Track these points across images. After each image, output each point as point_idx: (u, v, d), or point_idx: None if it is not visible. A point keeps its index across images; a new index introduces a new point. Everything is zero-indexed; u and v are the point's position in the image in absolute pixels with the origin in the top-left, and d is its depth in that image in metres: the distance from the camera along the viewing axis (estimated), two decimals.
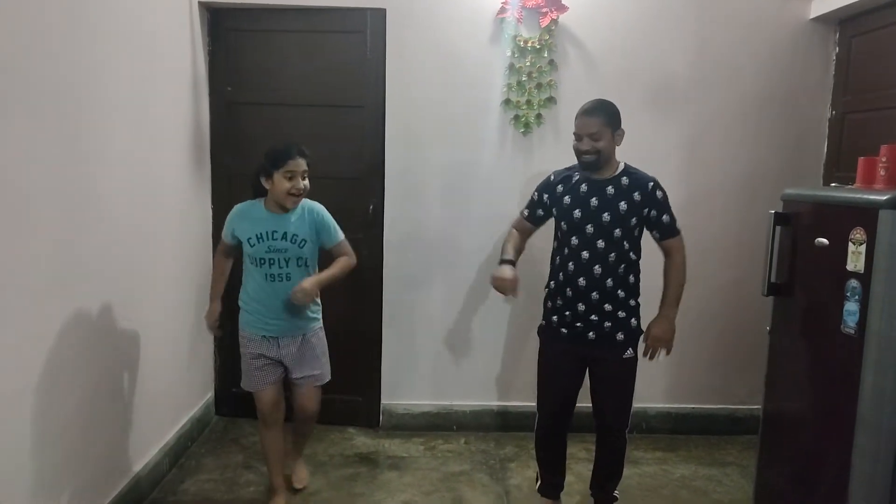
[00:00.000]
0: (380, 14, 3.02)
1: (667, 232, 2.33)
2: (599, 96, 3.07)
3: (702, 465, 3.02)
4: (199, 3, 2.97)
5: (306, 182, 2.33)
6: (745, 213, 3.17)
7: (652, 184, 2.30)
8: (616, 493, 2.48)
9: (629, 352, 2.32)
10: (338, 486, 2.73)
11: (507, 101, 3.09)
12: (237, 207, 2.44)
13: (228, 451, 3.01)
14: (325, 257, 2.48)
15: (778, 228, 2.23)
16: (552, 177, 2.41)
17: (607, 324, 2.29)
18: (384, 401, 3.29)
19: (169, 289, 2.78)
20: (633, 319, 2.34)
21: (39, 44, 1.81)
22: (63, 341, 1.97)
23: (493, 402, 3.30)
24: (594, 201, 2.27)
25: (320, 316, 2.53)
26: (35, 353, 1.85)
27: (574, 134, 2.28)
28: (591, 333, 2.29)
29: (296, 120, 3.14)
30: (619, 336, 2.30)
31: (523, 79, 3.06)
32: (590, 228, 2.26)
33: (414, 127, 3.12)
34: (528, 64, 3.05)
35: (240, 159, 3.16)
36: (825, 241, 2.02)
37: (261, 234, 2.33)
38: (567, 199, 2.32)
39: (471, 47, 3.07)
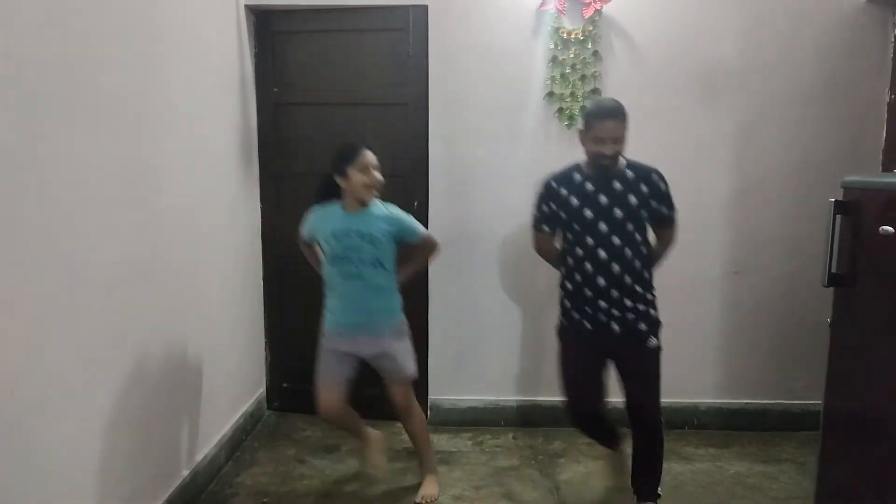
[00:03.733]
0: (422, 11, 3.03)
1: (664, 222, 2.40)
2: (646, 86, 3.07)
3: (756, 462, 2.94)
4: (246, 6, 3.04)
5: (379, 175, 2.37)
6: (801, 203, 3.07)
7: (655, 174, 2.33)
8: (659, 490, 2.43)
9: (653, 341, 2.33)
10: (388, 480, 2.75)
11: (550, 94, 3.06)
12: (315, 212, 2.48)
13: (281, 444, 3.07)
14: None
15: (838, 217, 2.15)
16: (553, 184, 2.37)
17: (630, 315, 2.30)
18: (431, 396, 3.31)
19: (222, 288, 2.85)
20: (652, 310, 2.36)
21: (98, 53, 1.87)
22: (126, 340, 2.05)
23: (541, 398, 3.29)
24: (603, 198, 2.27)
25: (398, 312, 2.49)
26: (100, 352, 1.92)
27: (595, 138, 2.23)
28: (615, 325, 2.30)
29: (340, 119, 3.18)
30: (642, 326, 2.31)
31: (567, 71, 3.03)
32: (603, 226, 2.27)
33: (457, 123, 3.12)
34: (571, 56, 3.02)
35: (287, 159, 3.23)
36: (890, 229, 1.94)
37: (338, 231, 2.36)
38: (574, 200, 2.30)
39: (513, 41, 3.05)
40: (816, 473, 2.34)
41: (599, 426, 2.55)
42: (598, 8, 2.95)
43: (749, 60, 3.03)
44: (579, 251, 2.31)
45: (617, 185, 2.28)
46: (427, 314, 3.26)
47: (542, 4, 2.98)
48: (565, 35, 3.00)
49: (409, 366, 2.49)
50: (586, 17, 2.97)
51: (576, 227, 2.31)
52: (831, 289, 2.22)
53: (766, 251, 3.15)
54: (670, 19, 3.01)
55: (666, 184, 2.34)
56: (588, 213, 2.28)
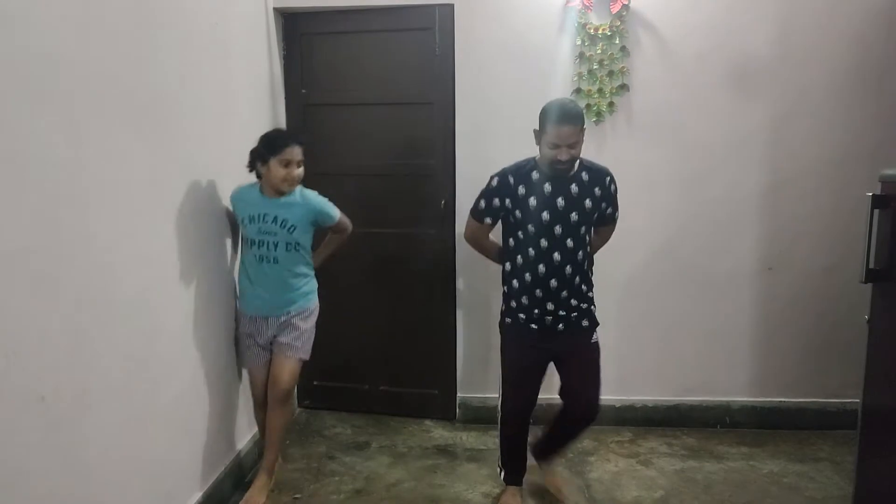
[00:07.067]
0: (448, 10, 3.04)
1: (608, 221, 2.45)
2: (676, 81, 3.03)
3: (791, 461, 2.89)
4: (275, 9, 3.08)
5: (300, 170, 2.38)
6: (837, 196, 3.01)
7: (609, 178, 2.35)
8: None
9: (595, 336, 2.42)
10: (418, 477, 2.78)
11: (577, 91, 3.04)
12: (237, 189, 2.51)
13: (312, 441, 3.11)
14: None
15: (876, 212, 2.10)
16: (510, 179, 2.32)
17: (573, 314, 2.34)
18: (460, 394, 3.32)
19: None
20: (592, 307, 2.43)
21: (131, 56, 1.92)
22: (162, 337, 2.10)
23: None
24: (560, 201, 2.26)
25: (312, 295, 2.55)
26: (138, 348, 1.97)
27: (549, 143, 2.20)
28: (560, 325, 2.34)
29: (368, 119, 3.21)
30: (585, 323, 2.37)
31: (594, 67, 3.01)
32: (558, 229, 2.26)
33: (484, 121, 3.12)
34: (598, 52, 3.00)
35: (315, 159, 3.24)
36: None
37: (253, 216, 2.40)
38: (532, 200, 2.28)
39: (539, 38, 3.04)
40: (854, 473, 2.30)
41: (526, 428, 2.57)
42: (626, 3, 2.93)
43: (781, 52, 2.97)
44: (531, 252, 2.30)
45: (574, 187, 2.27)
46: (455, 312, 3.27)
47: (568, 0, 2.97)
48: (592, 31, 2.98)
49: (307, 348, 2.52)
50: (613, 13, 2.95)
51: (530, 227, 2.29)
52: (869, 285, 2.18)
53: (801, 246, 3.09)
54: (699, 12, 2.96)
55: (616, 185, 2.38)
56: (545, 215, 2.26)
